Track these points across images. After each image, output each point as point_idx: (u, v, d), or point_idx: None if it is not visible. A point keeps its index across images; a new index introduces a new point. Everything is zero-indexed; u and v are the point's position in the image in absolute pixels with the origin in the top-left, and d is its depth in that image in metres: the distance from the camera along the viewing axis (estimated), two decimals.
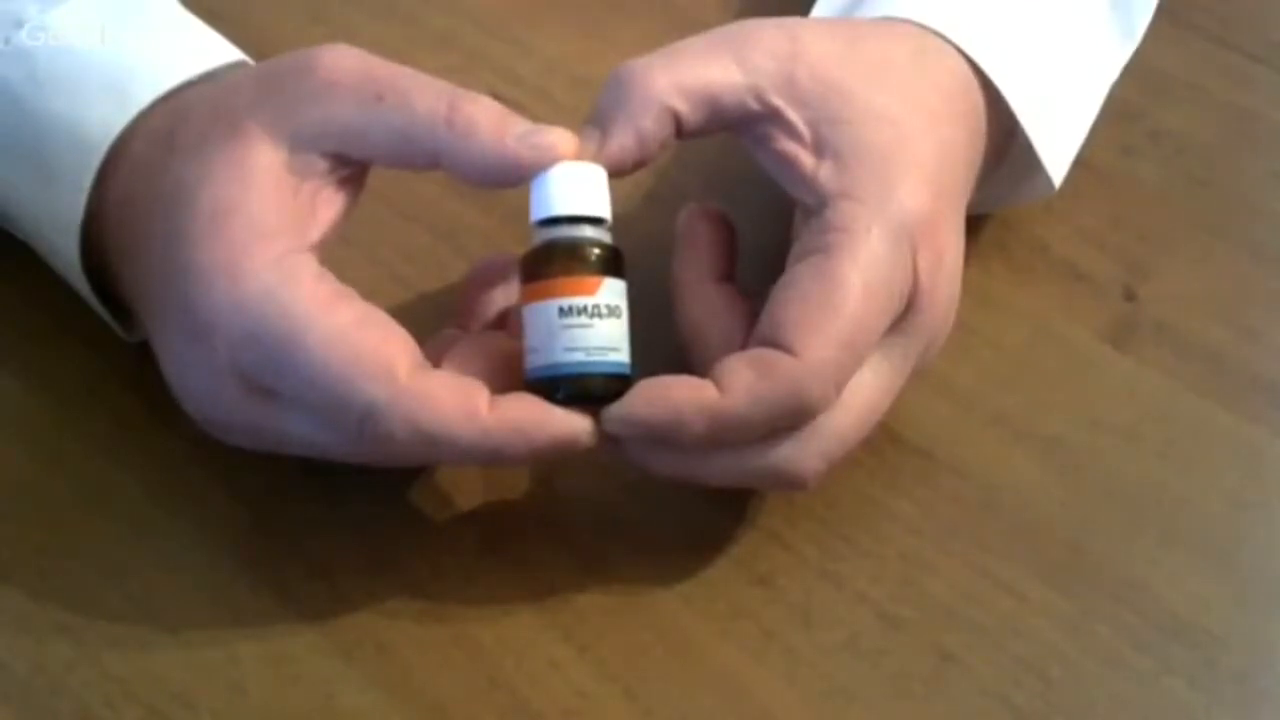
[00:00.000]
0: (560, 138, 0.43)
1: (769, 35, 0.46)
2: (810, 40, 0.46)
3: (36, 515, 0.48)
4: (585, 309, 0.43)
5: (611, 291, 0.43)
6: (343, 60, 0.44)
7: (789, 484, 0.45)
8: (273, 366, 0.42)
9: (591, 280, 0.43)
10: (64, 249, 0.47)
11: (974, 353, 0.52)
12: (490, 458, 0.43)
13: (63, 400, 0.50)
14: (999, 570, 0.46)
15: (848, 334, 0.43)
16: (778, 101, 0.45)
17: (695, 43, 0.46)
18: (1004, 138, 0.50)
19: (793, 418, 0.43)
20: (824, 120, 0.45)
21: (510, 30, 0.63)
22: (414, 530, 0.47)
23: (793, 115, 0.45)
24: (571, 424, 0.43)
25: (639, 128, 0.44)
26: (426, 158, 0.44)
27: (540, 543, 0.47)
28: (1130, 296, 0.54)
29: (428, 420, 0.42)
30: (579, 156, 0.44)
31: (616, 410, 0.43)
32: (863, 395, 0.44)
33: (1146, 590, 0.46)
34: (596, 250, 0.43)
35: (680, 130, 0.45)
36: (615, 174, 0.45)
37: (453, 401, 0.42)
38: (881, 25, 0.49)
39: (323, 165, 0.44)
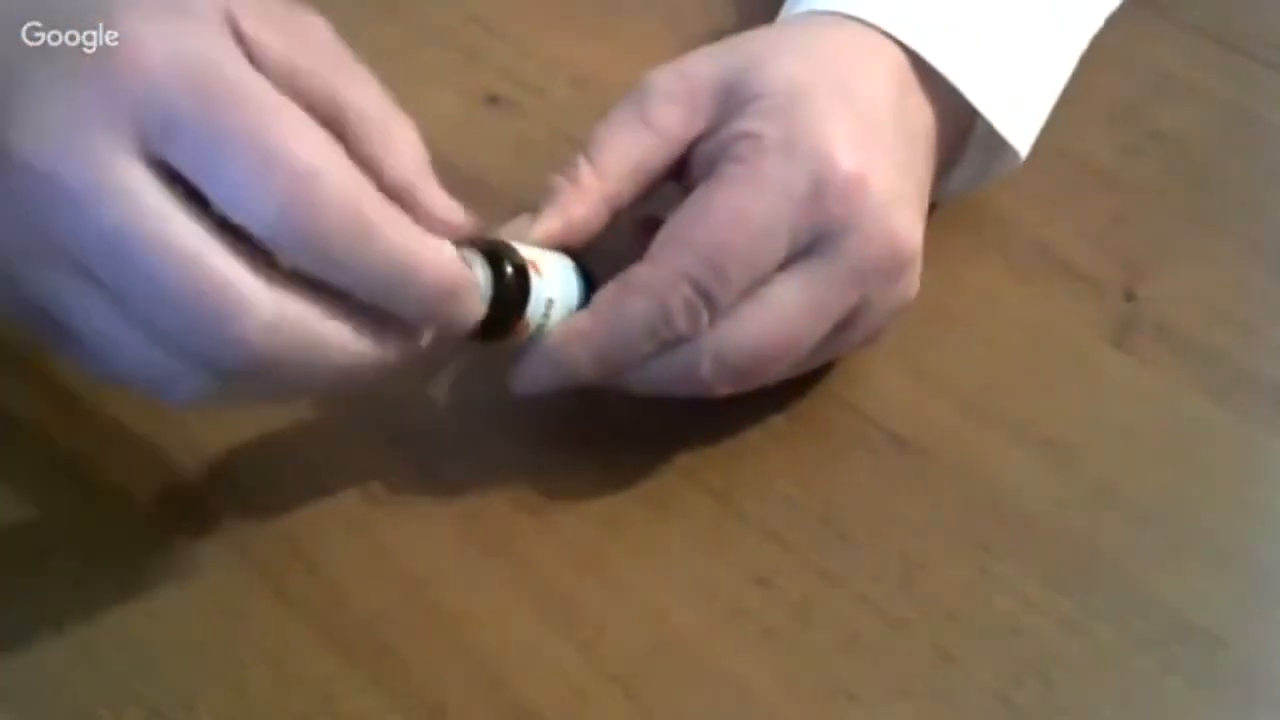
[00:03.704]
0: (460, 217, 0.43)
1: (663, 82, 0.48)
2: (700, 66, 0.48)
3: (36, 515, 0.48)
4: (537, 331, 0.45)
5: (536, 305, 0.45)
6: (324, 24, 0.43)
7: (694, 386, 0.46)
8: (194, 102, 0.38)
9: (519, 328, 0.45)
10: None
11: (974, 353, 0.52)
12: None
13: (63, 400, 0.50)
14: (999, 570, 0.46)
15: (706, 248, 0.44)
16: (696, 136, 0.47)
17: (607, 121, 0.48)
18: (957, 107, 0.51)
19: (662, 323, 0.45)
20: (740, 101, 0.47)
21: (510, 30, 0.63)
22: (414, 530, 0.47)
23: (713, 134, 0.47)
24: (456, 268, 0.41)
25: (568, 216, 0.47)
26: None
27: (540, 543, 0.47)
28: (1130, 296, 0.54)
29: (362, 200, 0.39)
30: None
31: (517, 375, 0.46)
32: (764, 311, 0.45)
33: (1146, 590, 0.46)
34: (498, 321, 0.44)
35: (624, 204, 0.47)
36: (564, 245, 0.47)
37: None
38: (802, 19, 0.50)
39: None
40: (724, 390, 0.46)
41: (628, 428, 0.50)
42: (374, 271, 0.40)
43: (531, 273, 0.44)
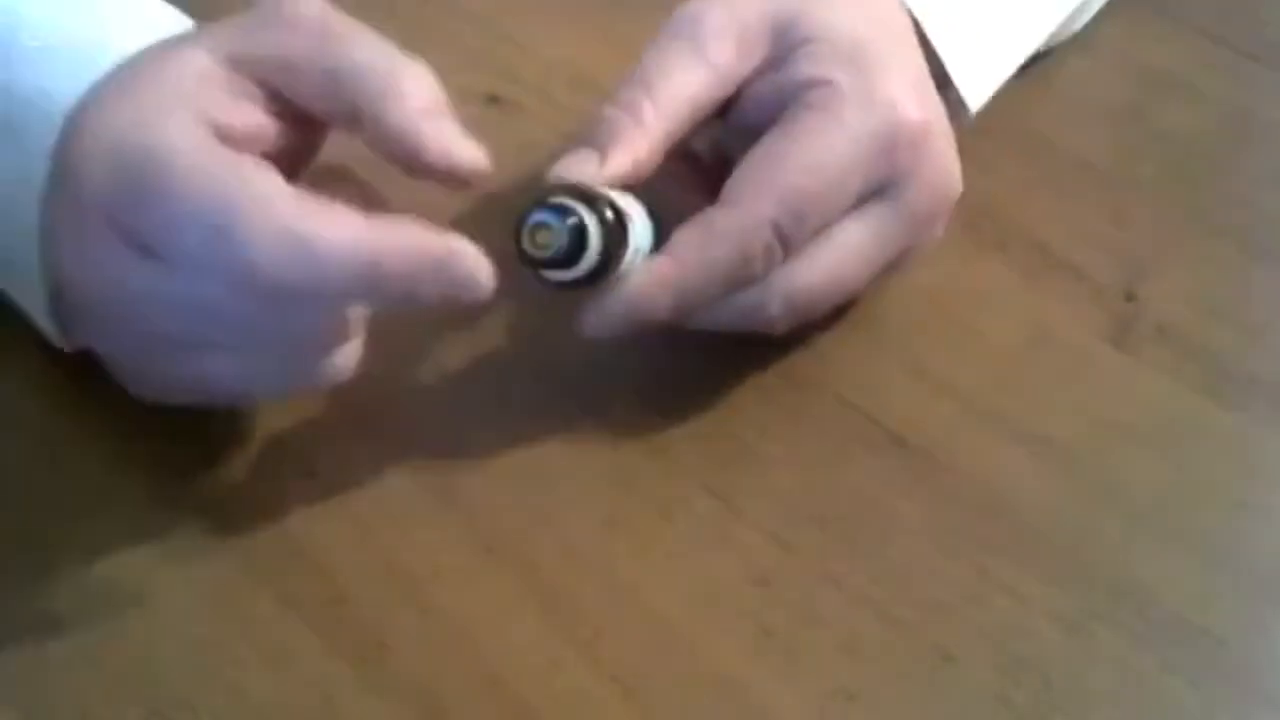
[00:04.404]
0: (476, 157, 0.43)
1: (716, 18, 0.48)
2: (750, 4, 0.48)
3: (36, 515, 0.48)
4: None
5: (632, 252, 0.45)
6: (304, 7, 0.44)
7: (757, 325, 0.48)
8: (127, 188, 0.41)
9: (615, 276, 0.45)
10: (23, 214, 0.46)
11: (974, 353, 0.52)
12: (370, 271, 0.41)
13: (62, 400, 0.50)
14: (999, 570, 0.46)
15: (790, 195, 0.45)
16: (748, 75, 0.48)
17: (660, 53, 0.48)
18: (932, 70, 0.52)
19: (741, 267, 0.46)
20: (792, 44, 0.48)
21: (510, 30, 0.63)
22: (414, 530, 0.47)
23: (766, 75, 0.48)
24: (461, 242, 0.42)
25: (636, 154, 0.46)
26: (346, 108, 0.44)
27: (540, 543, 0.47)
28: (1130, 296, 0.54)
29: (300, 219, 0.40)
30: (483, 167, 0.44)
31: (593, 315, 0.46)
32: (831, 253, 0.47)
33: (1146, 590, 0.46)
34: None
35: (677, 140, 0.47)
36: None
37: (327, 208, 0.41)
38: None
39: (256, 91, 0.44)
40: (783, 327, 0.48)
41: (628, 428, 0.50)
42: (336, 281, 0.41)
43: (626, 221, 0.45)
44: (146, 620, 0.45)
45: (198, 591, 0.46)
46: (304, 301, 0.43)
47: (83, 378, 0.49)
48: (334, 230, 0.41)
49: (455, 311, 0.49)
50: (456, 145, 0.43)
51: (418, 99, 0.43)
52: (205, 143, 0.42)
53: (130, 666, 0.44)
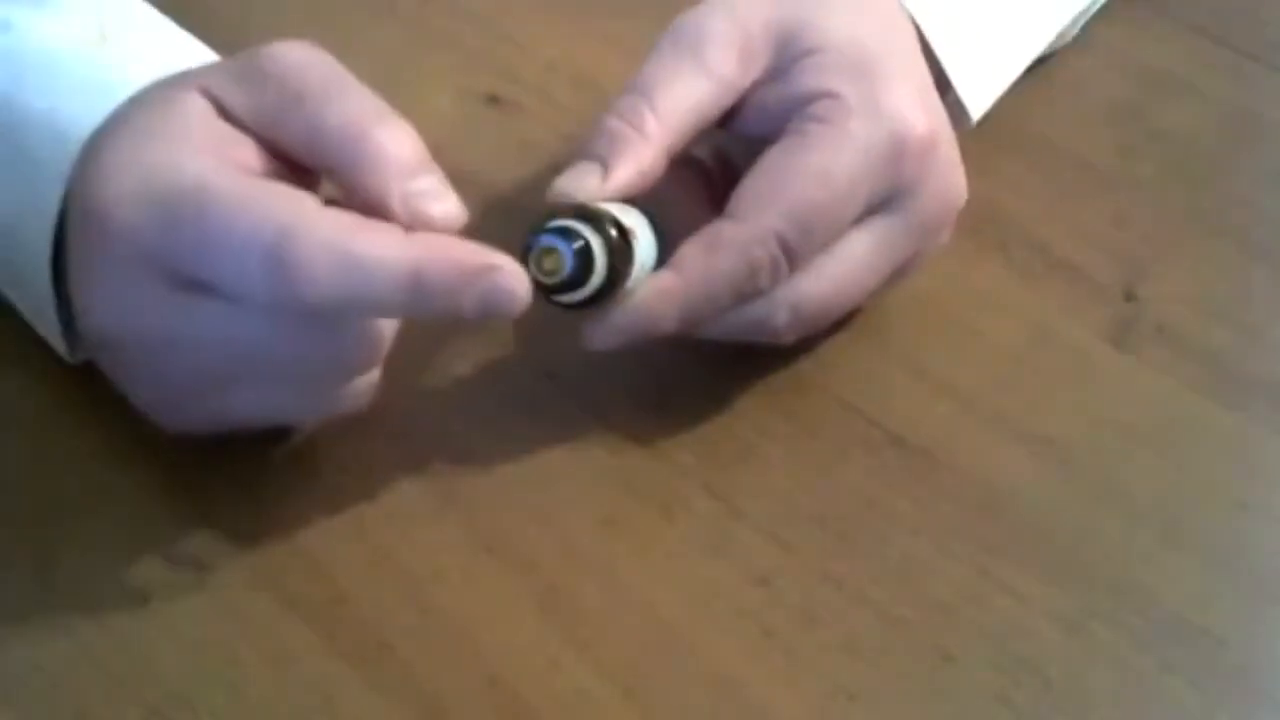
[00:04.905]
0: (447, 213, 0.43)
1: (718, 26, 0.48)
2: (752, 13, 0.48)
3: (36, 515, 0.48)
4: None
5: (637, 269, 0.45)
6: (288, 54, 0.44)
7: (764, 335, 0.48)
8: (172, 225, 0.41)
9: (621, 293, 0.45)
10: (35, 241, 0.46)
11: (974, 353, 0.52)
12: (413, 283, 0.41)
13: (63, 400, 0.50)
14: (999, 570, 0.46)
15: (797, 210, 0.46)
16: (750, 84, 0.48)
17: (661, 62, 0.47)
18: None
19: (747, 280, 0.46)
20: (796, 54, 0.48)
21: (510, 30, 0.63)
22: (414, 530, 0.47)
23: (770, 86, 0.48)
24: (502, 257, 0.42)
25: (640, 165, 0.46)
26: (326, 168, 0.44)
27: (540, 543, 0.47)
28: (1130, 296, 0.54)
29: (345, 234, 0.41)
30: (455, 224, 0.43)
31: (598, 329, 0.46)
32: (838, 265, 0.47)
33: (1146, 590, 0.46)
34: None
35: (678, 151, 0.47)
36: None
37: (367, 222, 0.41)
38: None
39: (248, 137, 0.44)
40: (791, 338, 0.48)
41: (628, 428, 0.50)
42: (380, 293, 0.41)
43: (631, 238, 0.45)
44: (146, 620, 0.45)
45: (197, 591, 0.46)
46: (344, 322, 0.44)
47: (83, 378, 0.49)
48: (378, 244, 0.41)
49: (482, 324, 0.50)
50: (427, 207, 0.43)
51: (390, 163, 0.43)
52: (238, 175, 0.42)
53: (130, 666, 0.44)
